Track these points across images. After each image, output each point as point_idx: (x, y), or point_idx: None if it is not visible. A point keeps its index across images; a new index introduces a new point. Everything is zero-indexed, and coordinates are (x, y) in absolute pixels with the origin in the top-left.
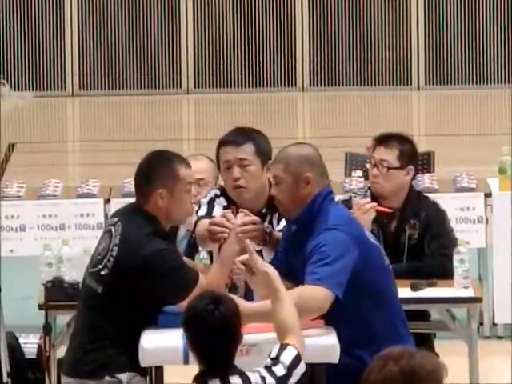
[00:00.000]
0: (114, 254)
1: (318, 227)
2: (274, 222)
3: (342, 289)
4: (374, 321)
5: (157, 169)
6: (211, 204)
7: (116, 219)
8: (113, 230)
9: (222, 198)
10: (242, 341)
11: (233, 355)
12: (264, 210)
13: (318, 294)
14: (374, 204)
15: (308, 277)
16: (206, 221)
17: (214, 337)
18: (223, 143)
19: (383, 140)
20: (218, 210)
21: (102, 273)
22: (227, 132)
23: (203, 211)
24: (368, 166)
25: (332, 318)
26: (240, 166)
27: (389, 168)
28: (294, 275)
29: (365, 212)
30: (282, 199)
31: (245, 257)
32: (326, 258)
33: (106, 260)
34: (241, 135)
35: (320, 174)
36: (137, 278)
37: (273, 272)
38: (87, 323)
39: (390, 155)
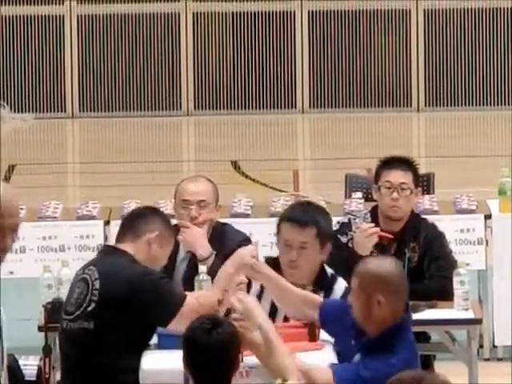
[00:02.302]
0: (97, 286)
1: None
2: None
3: None
4: None
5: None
6: None
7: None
8: (87, 273)
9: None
10: (238, 367)
11: (228, 380)
12: (310, 287)
13: None
14: (377, 229)
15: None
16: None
17: (209, 359)
18: (286, 219)
19: (398, 163)
20: None
21: (89, 308)
22: (291, 205)
23: None
24: (375, 189)
25: None
26: (298, 248)
27: (411, 191)
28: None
29: (367, 236)
30: (356, 313)
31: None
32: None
33: (88, 297)
34: (305, 215)
35: (397, 295)
36: (123, 302)
37: (254, 307)
38: (85, 366)
39: (408, 178)
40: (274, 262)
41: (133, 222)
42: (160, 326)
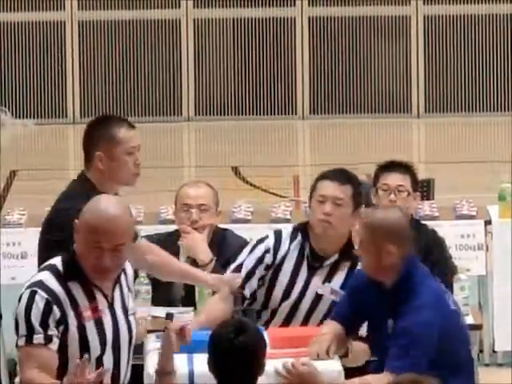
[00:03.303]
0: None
1: (408, 301)
2: (338, 274)
3: (422, 369)
4: None
5: (96, 132)
6: (279, 238)
7: None
8: None
9: (298, 234)
10: (263, 371)
11: (252, 382)
12: (336, 257)
13: None
14: None
15: (390, 361)
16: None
17: (234, 364)
18: (324, 177)
19: (396, 166)
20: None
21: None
22: (329, 170)
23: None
24: (373, 193)
25: None
26: (334, 204)
27: (409, 193)
28: (356, 323)
29: None
30: (365, 265)
31: None
32: (410, 346)
33: None
34: (343, 175)
35: (405, 241)
36: (43, 231)
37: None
38: None
39: (406, 181)
40: (303, 227)
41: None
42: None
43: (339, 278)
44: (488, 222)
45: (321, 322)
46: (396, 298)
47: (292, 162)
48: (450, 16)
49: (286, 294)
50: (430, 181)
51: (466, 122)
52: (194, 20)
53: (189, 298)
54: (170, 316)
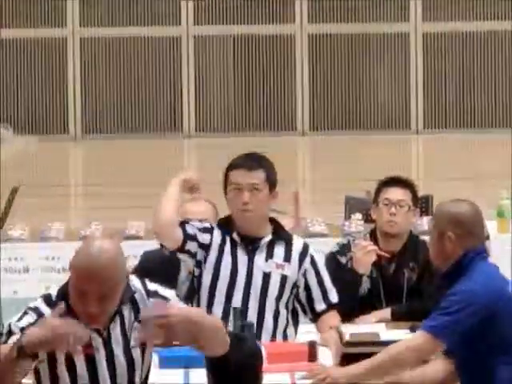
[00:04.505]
0: None
1: (460, 282)
2: (277, 250)
3: (454, 339)
4: (501, 372)
5: None
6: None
7: None
8: None
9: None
10: (262, 380)
11: None
12: (271, 237)
13: (423, 345)
14: (376, 247)
15: (426, 322)
16: None
17: (229, 380)
18: (235, 166)
19: (398, 182)
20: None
21: None
22: (236, 157)
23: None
24: (373, 208)
25: (460, 369)
26: (250, 191)
27: (409, 207)
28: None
29: (366, 253)
30: (431, 251)
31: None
32: (448, 307)
33: None
34: (253, 161)
35: (468, 234)
36: None
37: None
38: None
39: (406, 196)
40: (225, 220)
41: None
42: None
43: (280, 252)
44: (486, 238)
45: (277, 299)
46: (449, 285)
47: (292, 176)
48: (448, 33)
49: (232, 281)
50: (429, 197)
51: (465, 138)
52: (195, 36)
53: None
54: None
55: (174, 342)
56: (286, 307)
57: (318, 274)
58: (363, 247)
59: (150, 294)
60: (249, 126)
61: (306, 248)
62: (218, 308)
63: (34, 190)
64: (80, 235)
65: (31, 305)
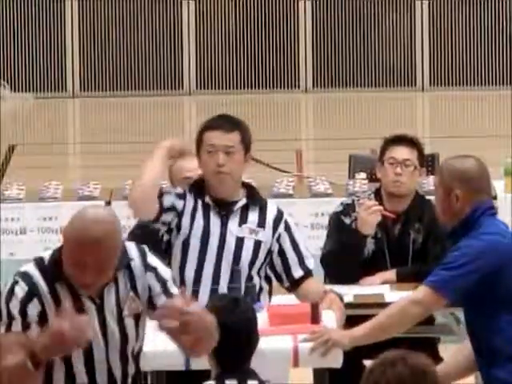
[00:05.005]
0: None
1: (466, 239)
2: (251, 215)
3: (456, 295)
4: (509, 329)
5: None
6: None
7: None
8: None
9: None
10: (258, 344)
11: (249, 357)
12: (245, 201)
13: (424, 298)
14: (381, 207)
15: (429, 277)
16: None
17: (232, 336)
18: (210, 128)
19: (403, 140)
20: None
21: None
22: (210, 118)
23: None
24: (378, 167)
25: (474, 330)
26: (225, 153)
27: (415, 167)
28: None
29: (371, 213)
30: (438, 209)
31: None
32: (451, 262)
33: None
34: (228, 122)
35: (475, 190)
36: None
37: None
38: None
39: (412, 155)
40: (197, 184)
41: None
42: None
43: (254, 217)
44: (493, 197)
45: (250, 265)
46: (456, 242)
47: (295, 136)
48: None
49: (205, 246)
50: (435, 155)
51: (471, 96)
52: None
53: None
54: None
55: (176, 339)
56: (259, 274)
57: (292, 239)
58: (368, 207)
59: (149, 268)
60: (251, 83)
61: (280, 213)
62: (190, 272)
63: (30, 148)
64: (78, 195)
65: (22, 269)
